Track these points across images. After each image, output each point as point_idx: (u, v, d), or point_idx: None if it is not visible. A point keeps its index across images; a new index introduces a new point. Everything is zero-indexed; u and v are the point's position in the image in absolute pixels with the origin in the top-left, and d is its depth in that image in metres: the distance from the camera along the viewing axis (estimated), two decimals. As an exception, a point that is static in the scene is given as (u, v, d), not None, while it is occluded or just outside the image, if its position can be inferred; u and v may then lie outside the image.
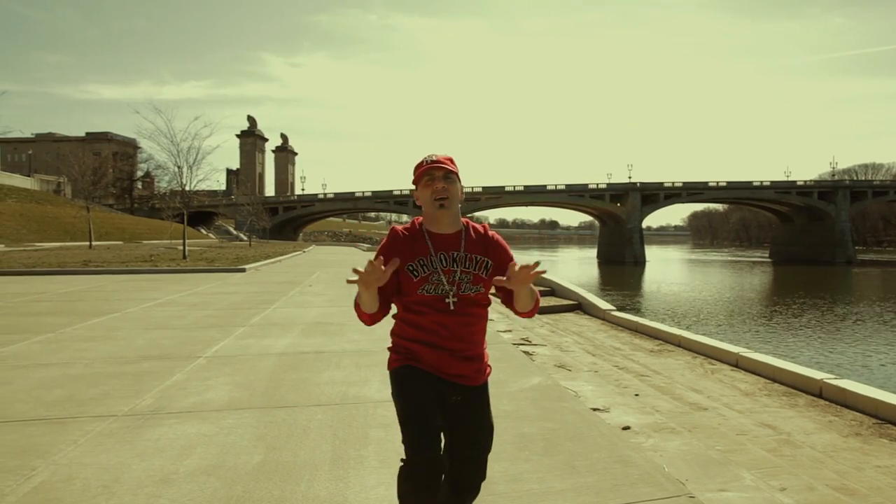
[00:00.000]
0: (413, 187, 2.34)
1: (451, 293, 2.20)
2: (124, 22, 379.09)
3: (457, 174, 2.28)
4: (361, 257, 29.86)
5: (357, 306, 2.20)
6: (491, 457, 2.31)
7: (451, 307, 2.21)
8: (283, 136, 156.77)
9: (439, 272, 2.21)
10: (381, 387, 4.96)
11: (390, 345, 2.34)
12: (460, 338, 2.24)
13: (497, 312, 10.60)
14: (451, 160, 2.29)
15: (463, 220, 2.34)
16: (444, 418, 2.23)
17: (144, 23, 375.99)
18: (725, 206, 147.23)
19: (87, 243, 38.11)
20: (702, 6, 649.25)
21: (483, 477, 2.33)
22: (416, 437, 2.13)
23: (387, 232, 2.42)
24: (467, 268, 2.24)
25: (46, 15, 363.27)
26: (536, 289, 2.27)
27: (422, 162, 2.27)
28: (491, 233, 2.36)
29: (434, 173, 2.23)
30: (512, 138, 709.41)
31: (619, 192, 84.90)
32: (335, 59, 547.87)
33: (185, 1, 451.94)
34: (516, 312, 2.30)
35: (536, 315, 12.07)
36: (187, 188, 27.60)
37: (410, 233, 2.27)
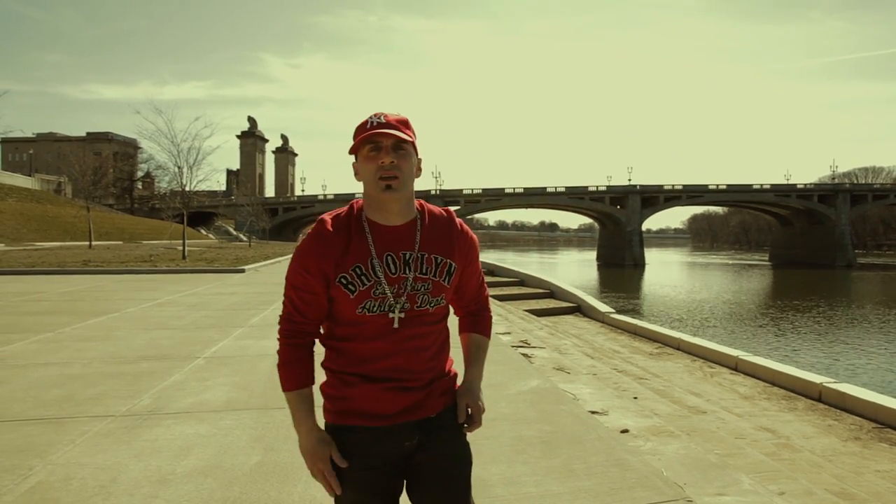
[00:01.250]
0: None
1: (398, 307, 1.60)
2: (125, 22, 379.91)
3: (413, 143, 1.63)
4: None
5: (281, 373, 1.68)
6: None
7: (396, 325, 1.60)
8: (284, 137, 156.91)
9: (383, 283, 1.59)
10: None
11: (324, 379, 1.71)
12: (401, 364, 1.63)
13: (495, 314, 10.59)
14: (406, 123, 1.64)
15: (417, 202, 1.70)
16: (402, 473, 1.69)
17: (145, 23, 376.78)
18: (725, 209, 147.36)
19: (87, 243, 38.09)
20: (702, 9, 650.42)
21: None
22: None
23: None
24: (424, 273, 1.62)
25: (47, 15, 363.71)
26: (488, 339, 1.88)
27: (364, 122, 1.61)
28: (458, 221, 1.74)
29: (380, 141, 1.58)
30: (512, 140, 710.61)
31: (618, 195, 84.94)
32: (335, 60, 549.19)
33: (185, 1, 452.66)
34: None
35: (536, 317, 12.07)
36: (187, 188, 27.58)
37: (343, 226, 1.63)
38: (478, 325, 1.86)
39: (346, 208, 1.68)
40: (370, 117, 1.62)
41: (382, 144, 1.59)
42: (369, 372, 1.63)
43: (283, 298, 1.69)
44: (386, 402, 1.63)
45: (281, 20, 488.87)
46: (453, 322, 1.83)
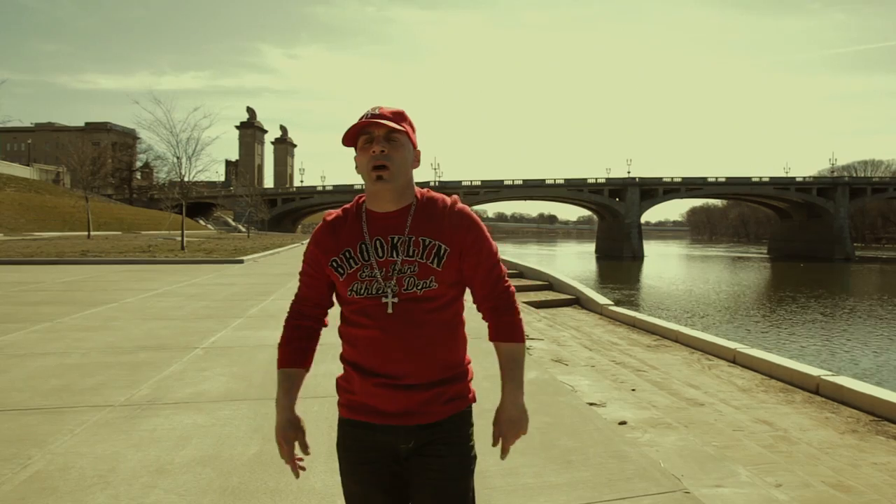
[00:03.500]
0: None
1: (390, 292, 1.60)
2: (122, 11, 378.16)
3: (407, 133, 1.65)
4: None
5: (279, 351, 1.77)
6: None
7: (390, 309, 1.60)
8: (283, 128, 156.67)
9: (372, 264, 1.62)
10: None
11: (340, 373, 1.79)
12: (402, 357, 1.61)
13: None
14: (401, 114, 1.66)
15: (420, 191, 1.71)
16: (395, 471, 1.68)
17: (142, 12, 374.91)
18: (724, 201, 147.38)
19: (86, 233, 38.08)
20: (701, 1, 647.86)
21: None
22: None
23: None
24: (411, 255, 1.61)
25: (44, 3, 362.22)
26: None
27: (361, 116, 1.65)
28: (459, 207, 1.69)
29: (372, 132, 1.61)
30: (511, 132, 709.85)
31: (617, 187, 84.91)
32: (333, 50, 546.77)
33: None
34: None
35: (535, 309, 12.08)
36: (186, 179, 27.53)
37: (344, 215, 1.70)
38: (500, 330, 1.71)
39: (352, 203, 1.72)
40: (367, 111, 1.64)
41: (374, 134, 1.61)
42: (368, 366, 1.64)
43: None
44: (383, 400, 1.62)
45: (278, 10, 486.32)
46: (473, 319, 1.77)
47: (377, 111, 1.63)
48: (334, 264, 1.64)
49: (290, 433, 1.66)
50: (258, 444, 3.62)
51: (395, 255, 1.62)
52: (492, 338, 1.73)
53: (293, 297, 1.78)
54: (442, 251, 1.62)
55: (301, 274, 1.76)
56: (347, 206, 1.72)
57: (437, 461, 1.63)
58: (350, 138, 1.64)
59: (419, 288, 1.61)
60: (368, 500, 1.68)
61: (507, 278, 1.75)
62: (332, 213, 1.72)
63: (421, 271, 1.61)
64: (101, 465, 3.28)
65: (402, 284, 1.61)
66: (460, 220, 1.66)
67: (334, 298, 1.76)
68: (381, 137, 1.60)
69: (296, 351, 1.73)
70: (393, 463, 1.65)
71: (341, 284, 1.65)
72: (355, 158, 1.67)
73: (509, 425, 1.69)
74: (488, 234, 1.71)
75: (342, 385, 1.74)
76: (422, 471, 1.64)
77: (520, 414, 1.69)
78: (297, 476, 1.70)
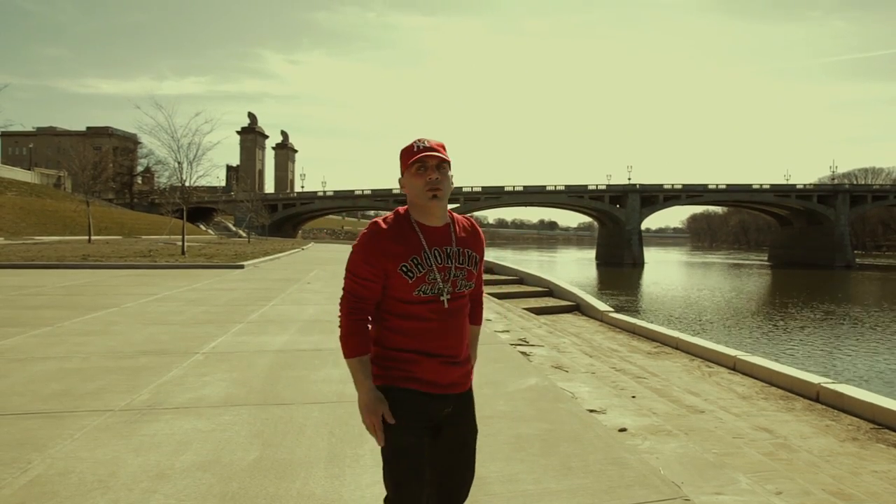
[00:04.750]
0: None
1: (447, 291, 2.04)
2: (123, 16, 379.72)
3: (449, 163, 2.08)
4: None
5: (344, 343, 2.05)
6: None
7: (446, 305, 2.04)
8: (284, 134, 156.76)
9: (434, 270, 2.02)
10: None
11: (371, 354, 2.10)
12: (455, 342, 2.09)
13: (494, 312, 10.60)
14: (444, 147, 2.08)
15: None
16: (431, 432, 2.10)
17: (143, 17, 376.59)
18: (725, 208, 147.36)
19: (87, 237, 38.04)
20: (702, 8, 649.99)
21: (472, 479, 2.21)
22: (407, 495, 1.98)
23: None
24: (462, 263, 2.09)
25: (45, 8, 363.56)
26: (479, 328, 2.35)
27: (411, 146, 2.06)
28: (475, 224, 2.24)
29: (427, 162, 2.02)
30: (511, 138, 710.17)
31: (618, 194, 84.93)
32: (334, 56, 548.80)
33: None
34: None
35: (535, 315, 12.08)
36: (187, 184, 27.54)
37: (397, 226, 2.05)
38: (475, 316, 2.30)
39: (392, 213, 2.08)
40: (415, 142, 2.05)
41: (429, 164, 2.02)
42: (430, 349, 2.03)
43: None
44: (442, 374, 2.05)
45: (279, 16, 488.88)
46: None
47: (427, 144, 2.04)
48: (404, 269, 1.99)
49: (379, 406, 1.99)
50: (258, 449, 3.62)
51: (449, 262, 2.06)
52: (469, 321, 2.24)
53: (345, 296, 2.06)
54: (477, 259, 2.16)
55: (356, 276, 2.03)
56: (389, 217, 2.07)
57: (466, 418, 2.17)
58: (407, 166, 2.04)
59: (467, 288, 2.12)
60: (420, 449, 2.01)
61: None
62: (383, 223, 2.04)
63: (468, 275, 2.11)
64: (101, 469, 3.28)
65: (456, 286, 2.07)
66: (480, 236, 2.21)
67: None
68: (433, 167, 2.02)
69: (362, 342, 2.04)
70: (431, 421, 2.07)
71: (408, 286, 2.00)
72: (401, 181, 2.09)
73: None
74: None
75: (387, 364, 2.05)
76: (453, 428, 2.12)
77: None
78: (383, 444, 2.00)
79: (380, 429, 1.98)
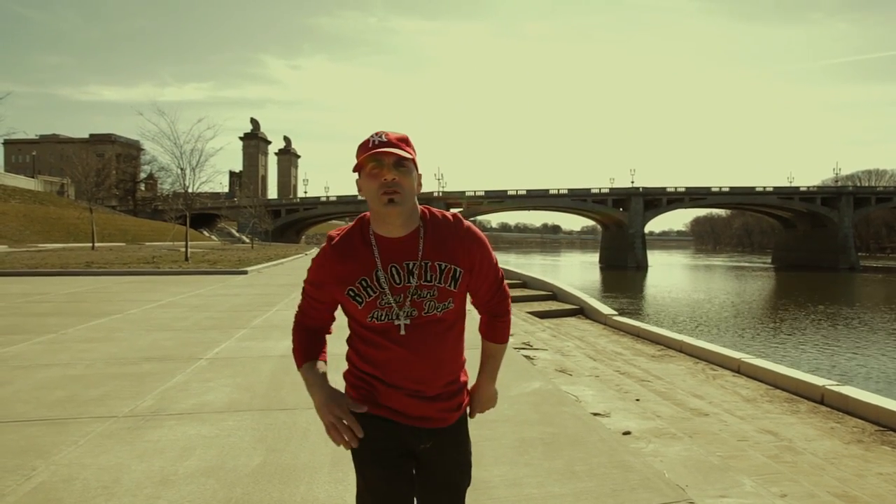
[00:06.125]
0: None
1: (405, 315, 1.69)
2: (125, 23, 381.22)
3: (413, 160, 1.69)
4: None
5: (294, 355, 1.88)
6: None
7: (402, 332, 1.69)
8: (286, 139, 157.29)
9: (387, 293, 1.68)
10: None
11: (345, 369, 1.86)
12: (423, 374, 1.74)
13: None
14: (406, 140, 1.70)
15: (421, 208, 1.76)
16: (412, 462, 1.81)
17: (145, 24, 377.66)
18: (728, 211, 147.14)
19: (90, 244, 38.18)
20: (704, 11, 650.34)
21: None
22: None
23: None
24: (429, 280, 1.69)
25: (47, 16, 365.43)
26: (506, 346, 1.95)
27: (368, 141, 1.67)
28: (466, 226, 1.77)
29: (382, 159, 1.64)
30: (514, 142, 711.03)
31: (621, 197, 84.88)
32: (336, 61, 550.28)
33: (184, 3, 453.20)
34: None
35: (538, 319, 12.07)
36: (190, 190, 27.64)
37: (348, 241, 1.74)
38: (491, 331, 1.91)
39: (354, 223, 1.77)
40: (371, 136, 1.68)
41: (384, 162, 1.65)
42: (390, 380, 1.74)
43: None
44: (408, 407, 1.75)
45: (280, 21, 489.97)
46: (471, 329, 1.87)
47: (384, 137, 1.67)
48: (351, 293, 1.70)
49: (339, 399, 1.74)
50: (262, 454, 3.62)
51: (410, 280, 1.69)
52: (483, 335, 1.92)
53: (297, 310, 1.88)
54: (458, 274, 1.72)
55: (306, 296, 1.84)
56: (349, 227, 1.77)
57: (450, 454, 1.84)
58: (361, 165, 1.68)
59: (439, 310, 1.71)
60: (392, 482, 1.74)
61: (504, 282, 1.89)
62: (336, 236, 1.76)
63: (440, 294, 1.71)
64: (105, 476, 3.28)
65: (423, 308, 1.70)
66: (470, 240, 1.75)
67: (337, 314, 1.86)
68: (390, 165, 1.65)
69: (310, 349, 1.86)
70: (408, 454, 1.78)
71: (360, 312, 1.71)
72: (359, 182, 1.71)
73: (488, 404, 1.96)
74: (490, 247, 1.81)
75: (357, 384, 1.80)
76: (437, 463, 1.82)
77: (493, 395, 1.96)
78: (361, 434, 1.70)
79: (351, 421, 1.70)
